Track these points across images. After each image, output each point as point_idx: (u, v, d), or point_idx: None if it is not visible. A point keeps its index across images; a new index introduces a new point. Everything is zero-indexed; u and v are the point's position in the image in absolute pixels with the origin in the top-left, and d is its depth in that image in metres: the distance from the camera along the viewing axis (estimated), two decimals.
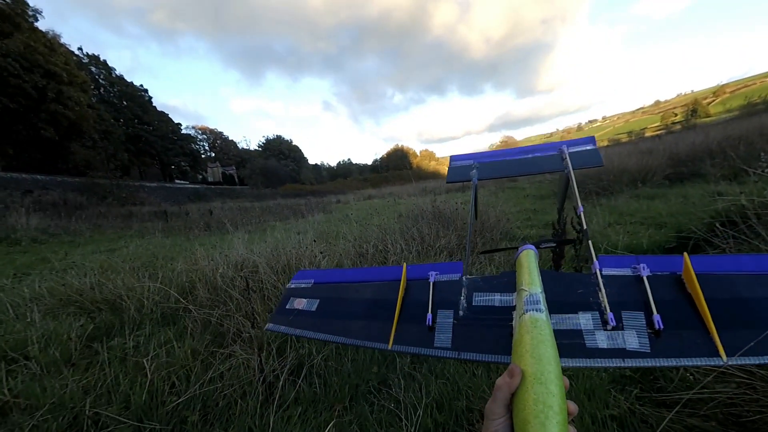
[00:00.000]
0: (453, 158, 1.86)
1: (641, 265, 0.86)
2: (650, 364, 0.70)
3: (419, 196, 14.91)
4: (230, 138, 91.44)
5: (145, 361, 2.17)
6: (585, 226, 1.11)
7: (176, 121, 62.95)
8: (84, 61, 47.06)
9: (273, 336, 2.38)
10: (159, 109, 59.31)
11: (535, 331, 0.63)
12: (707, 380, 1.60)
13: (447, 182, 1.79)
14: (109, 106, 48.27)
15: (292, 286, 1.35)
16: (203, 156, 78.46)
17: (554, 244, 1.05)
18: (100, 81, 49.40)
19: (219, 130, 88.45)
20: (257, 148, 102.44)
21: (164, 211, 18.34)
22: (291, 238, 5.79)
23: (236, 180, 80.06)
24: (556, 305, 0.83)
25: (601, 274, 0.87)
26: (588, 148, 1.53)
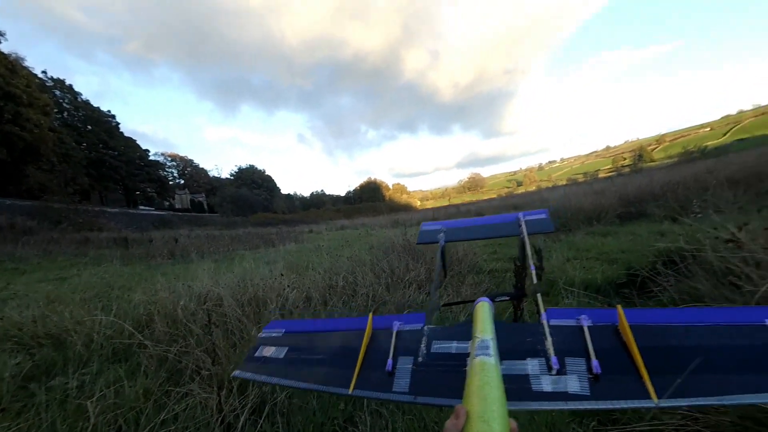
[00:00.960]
0: (423, 225, 2.02)
1: (582, 316, 0.93)
2: (590, 407, 0.74)
3: (391, 227, 15.02)
4: (201, 166, 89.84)
5: (89, 403, 1.97)
6: (535, 281, 1.17)
7: (144, 148, 61.38)
8: (48, 84, 45.68)
9: None
10: (127, 135, 57.86)
11: (483, 373, 0.67)
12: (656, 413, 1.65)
13: (417, 243, 1.92)
14: (73, 129, 46.63)
15: (263, 335, 1.36)
16: (171, 183, 76.06)
17: (507, 298, 1.14)
18: (65, 105, 48.01)
19: (190, 157, 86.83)
20: (229, 176, 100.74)
21: (124, 238, 17.29)
22: (260, 269, 5.61)
23: (205, 207, 77.72)
24: (507, 352, 0.87)
25: (548, 324, 0.92)
26: (542, 217, 1.76)
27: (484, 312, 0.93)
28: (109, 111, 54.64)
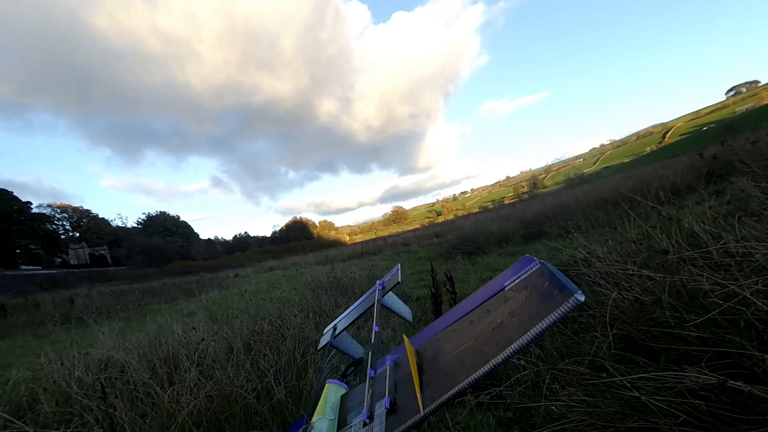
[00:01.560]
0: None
1: (388, 356, 0.97)
2: None
3: (321, 264, 14.68)
4: (101, 216, 79.17)
5: None
6: (373, 341, 1.07)
7: (25, 200, 52.47)
8: None
9: None
10: (0, 186, 49.05)
11: None
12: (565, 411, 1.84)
13: (317, 350, 1.86)
14: None
15: None
16: (63, 237, 65.49)
17: (352, 368, 1.15)
18: None
19: (86, 207, 76.16)
20: (137, 225, 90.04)
21: (1, 305, 14.15)
22: (177, 323, 5.02)
23: (109, 261, 67.79)
24: (343, 420, 0.88)
25: (370, 377, 0.90)
26: (394, 274, 1.77)
27: (325, 394, 0.95)
28: None
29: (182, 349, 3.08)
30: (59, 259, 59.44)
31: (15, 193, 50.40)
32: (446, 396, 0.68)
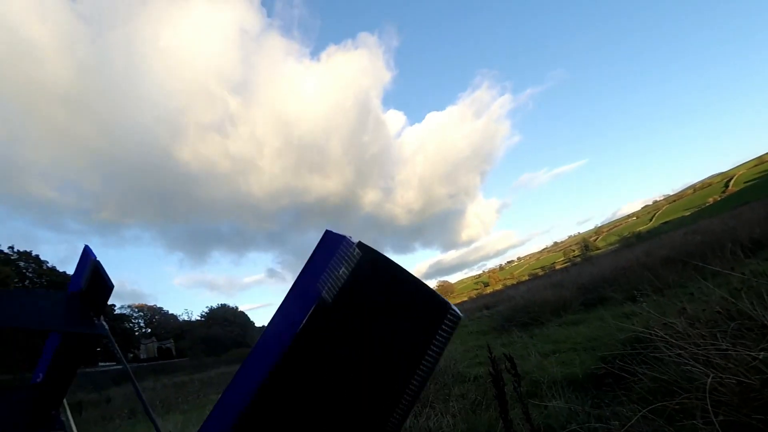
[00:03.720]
0: None
1: None
2: None
3: None
4: (170, 312, 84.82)
5: None
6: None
7: (111, 303, 58.05)
8: (12, 257, 46.37)
9: None
10: None
11: None
12: None
13: None
14: None
15: None
16: (137, 333, 69.91)
17: None
18: (27, 274, 47.92)
19: (158, 305, 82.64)
20: (200, 318, 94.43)
21: (78, 403, 14.78)
22: None
23: (173, 353, 70.09)
24: None
25: None
26: None
27: None
28: None
29: None
30: (131, 354, 62.47)
31: None
32: None
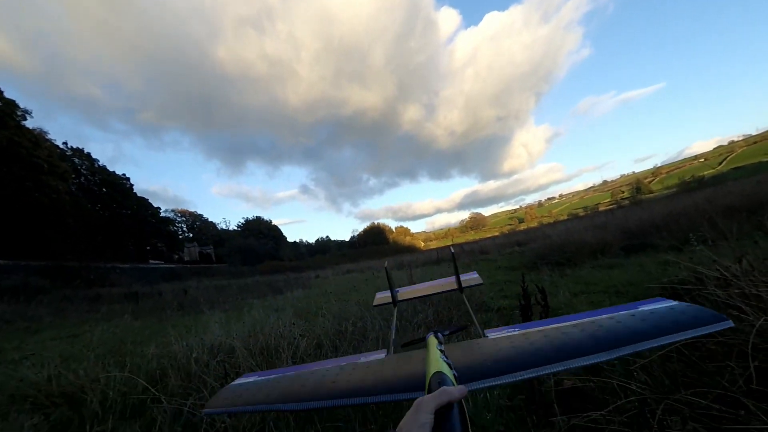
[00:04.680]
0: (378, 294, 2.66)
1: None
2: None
3: (396, 269, 14.90)
4: (210, 220, 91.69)
5: None
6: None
7: (156, 206, 63.19)
8: (68, 153, 48.35)
9: (250, 424, 2.20)
10: (140, 195, 59.93)
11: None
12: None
13: (373, 305, 2.48)
14: (89, 193, 49.09)
15: (236, 382, 1.40)
16: (181, 237, 77.16)
17: (448, 333, 1.25)
18: (82, 171, 50.55)
19: (199, 212, 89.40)
20: (236, 228, 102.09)
21: (135, 293, 17.25)
22: (269, 317, 5.58)
23: (213, 259, 77.91)
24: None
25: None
26: (474, 276, 2.29)
27: (431, 344, 0.99)
28: (123, 174, 57.01)
29: (279, 341, 3.42)
30: (176, 256, 70.23)
31: (150, 200, 61.26)
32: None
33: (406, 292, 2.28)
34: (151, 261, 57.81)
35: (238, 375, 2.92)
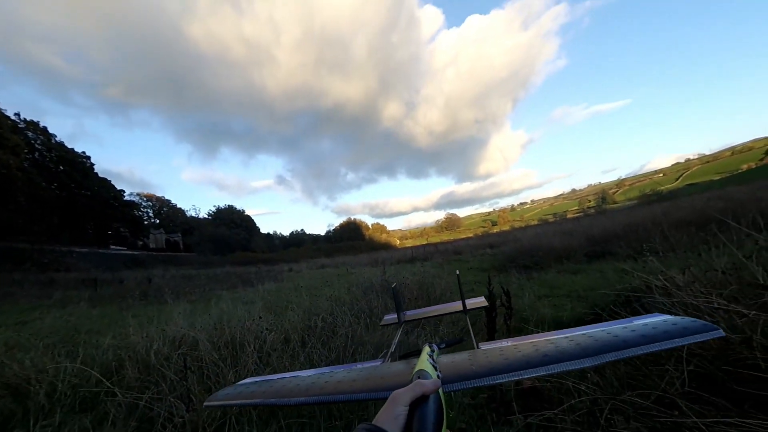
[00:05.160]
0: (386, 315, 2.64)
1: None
2: None
3: (371, 266, 14.93)
4: (179, 206, 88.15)
5: None
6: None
7: (120, 188, 59.75)
8: (20, 126, 44.81)
9: (210, 419, 2.15)
10: (102, 175, 56.56)
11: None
12: None
13: (381, 325, 2.53)
14: (44, 170, 45.66)
15: (240, 382, 1.47)
16: (146, 222, 73.81)
17: (444, 345, 1.33)
18: (37, 146, 47.16)
19: (167, 198, 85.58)
20: (207, 216, 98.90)
21: (93, 279, 16.38)
22: (238, 310, 5.45)
23: (181, 247, 75.14)
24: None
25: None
26: (479, 300, 2.36)
27: (424, 352, 1.07)
28: (83, 152, 53.59)
29: (245, 335, 3.35)
30: (141, 242, 67.16)
31: (113, 182, 57.92)
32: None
33: (412, 315, 2.45)
34: (112, 246, 55.02)
35: (200, 368, 2.86)
